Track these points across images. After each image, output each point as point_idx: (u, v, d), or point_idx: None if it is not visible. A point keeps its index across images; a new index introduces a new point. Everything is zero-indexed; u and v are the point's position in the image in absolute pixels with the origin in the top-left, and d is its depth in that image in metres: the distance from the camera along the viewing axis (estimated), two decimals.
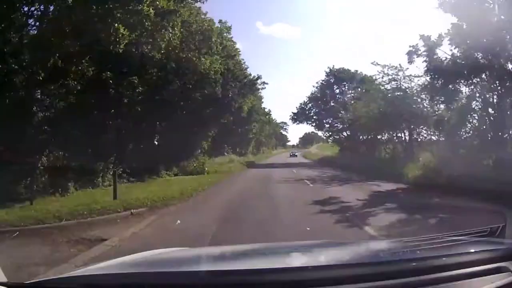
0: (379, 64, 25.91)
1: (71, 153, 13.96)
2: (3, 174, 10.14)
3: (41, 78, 12.29)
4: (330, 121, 47.65)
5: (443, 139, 23.21)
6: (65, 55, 11.96)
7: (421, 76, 23.33)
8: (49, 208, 8.72)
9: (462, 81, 20.28)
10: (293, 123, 55.49)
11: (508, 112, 17.00)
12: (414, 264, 1.67)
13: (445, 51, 21.70)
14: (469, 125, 20.83)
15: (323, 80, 51.13)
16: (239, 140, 46.38)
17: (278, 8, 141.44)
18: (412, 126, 25.46)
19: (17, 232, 6.67)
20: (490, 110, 20.19)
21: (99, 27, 11.17)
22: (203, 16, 20.32)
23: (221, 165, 28.07)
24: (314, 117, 52.30)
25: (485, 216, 5.70)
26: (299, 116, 53.98)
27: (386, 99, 25.73)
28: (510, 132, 17.32)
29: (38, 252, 5.42)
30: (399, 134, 27.83)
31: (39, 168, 12.50)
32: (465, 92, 21.06)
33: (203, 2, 17.81)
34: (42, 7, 12.19)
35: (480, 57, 19.88)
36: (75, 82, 13.66)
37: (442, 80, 21.37)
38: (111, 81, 14.28)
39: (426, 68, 21.64)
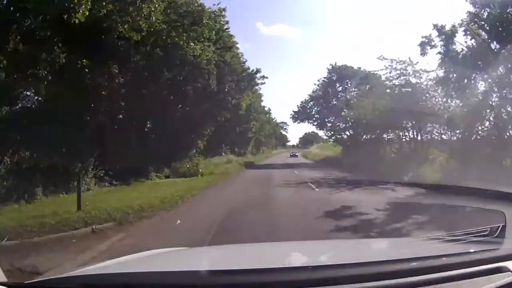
0: (386, 59, 24.23)
1: (42, 153, 12.15)
2: None
3: (1, 66, 10.55)
4: (332, 120, 45.81)
5: (454, 138, 21.76)
6: (30, 37, 10.17)
7: (432, 71, 21.87)
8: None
9: (478, 73, 18.81)
10: (294, 122, 54.02)
11: None
12: (414, 264, 1.64)
13: (460, 42, 20.23)
14: (486, 122, 19.39)
15: (325, 78, 49.45)
16: (238, 139, 44.53)
17: (278, 8, 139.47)
18: (421, 124, 23.84)
19: None
20: (508, 107, 18.78)
21: None
22: None
23: (218, 165, 26.22)
24: (316, 116, 50.66)
25: None
26: (300, 114, 52.32)
27: (394, 95, 24.14)
28: None
29: None
30: (406, 133, 26.28)
31: (1, 171, 10.81)
32: (482, 86, 19.59)
33: None
34: None
35: (496, 49, 18.40)
36: (45, 72, 11.90)
37: (457, 74, 19.85)
38: (86, 70, 12.39)
39: (440, 60, 20.10)
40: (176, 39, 15.25)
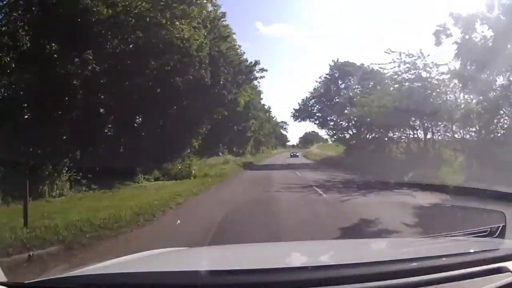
0: (394, 52, 22.51)
1: (2, 153, 10.41)
2: None
3: None
4: (334, 118, 43.99)
5: (468, 136, 20.05)
6: None
7: (445, 64, 20.16)
8: None
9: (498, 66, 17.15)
10: (295, 120, 52.34)
11: None
12: (414, 264, 1.62)
13: (478, 33, 18.55)
14: (506, 119, 17.73)
15: (327, 74, 47.64)
16: (236, 138, 42.66)
17: (278, 8, 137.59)
18: (433, 122, 22.14)
19: None
20: None
21: None
22: None
23: (214, 166, 24.36)
24: (318, 114, 48.87)
25: None
26: (301, 113, 50.58)
27: (402, 90, 22.45)
28: None
29: None
30: (415, 131, 24.55)
31: None
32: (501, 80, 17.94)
33: None
34: None
35: None
36: (8, 58, 10.16)
37: (475, 66, 18.17)
38: (55, 56, 10.57)
39: (456, 51, 18.38)
40: (158, 16, 13.17)
